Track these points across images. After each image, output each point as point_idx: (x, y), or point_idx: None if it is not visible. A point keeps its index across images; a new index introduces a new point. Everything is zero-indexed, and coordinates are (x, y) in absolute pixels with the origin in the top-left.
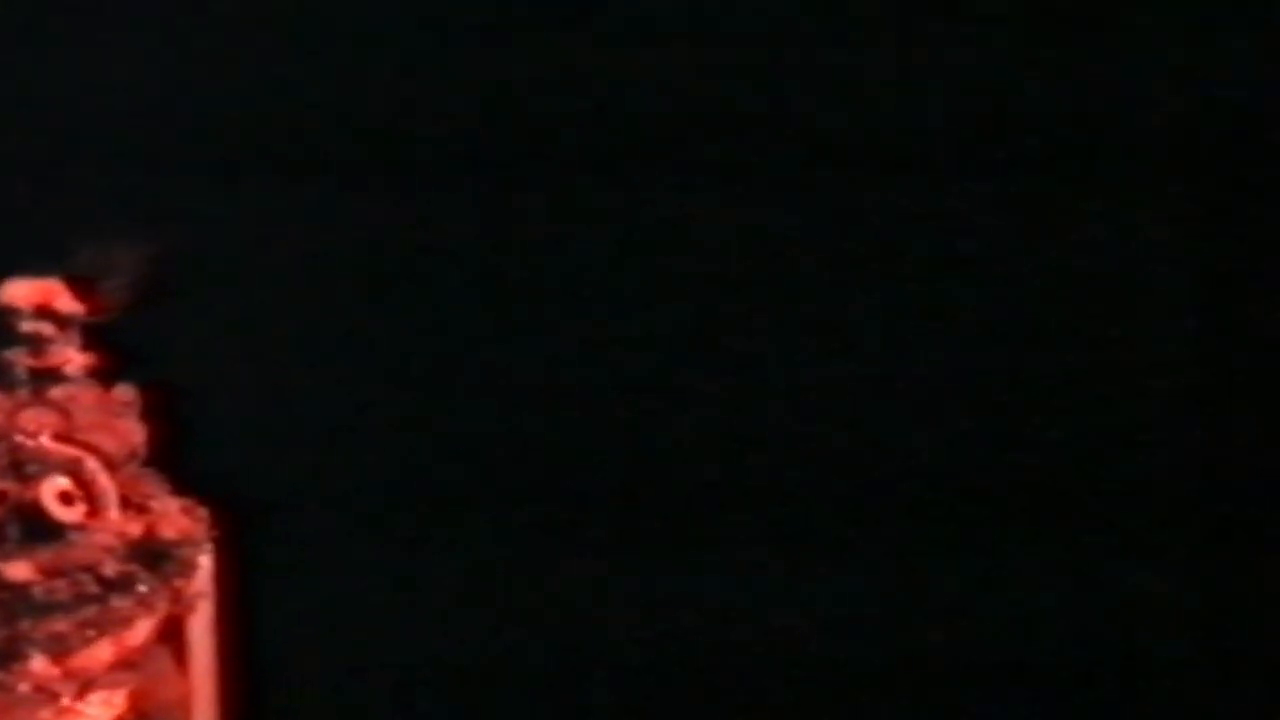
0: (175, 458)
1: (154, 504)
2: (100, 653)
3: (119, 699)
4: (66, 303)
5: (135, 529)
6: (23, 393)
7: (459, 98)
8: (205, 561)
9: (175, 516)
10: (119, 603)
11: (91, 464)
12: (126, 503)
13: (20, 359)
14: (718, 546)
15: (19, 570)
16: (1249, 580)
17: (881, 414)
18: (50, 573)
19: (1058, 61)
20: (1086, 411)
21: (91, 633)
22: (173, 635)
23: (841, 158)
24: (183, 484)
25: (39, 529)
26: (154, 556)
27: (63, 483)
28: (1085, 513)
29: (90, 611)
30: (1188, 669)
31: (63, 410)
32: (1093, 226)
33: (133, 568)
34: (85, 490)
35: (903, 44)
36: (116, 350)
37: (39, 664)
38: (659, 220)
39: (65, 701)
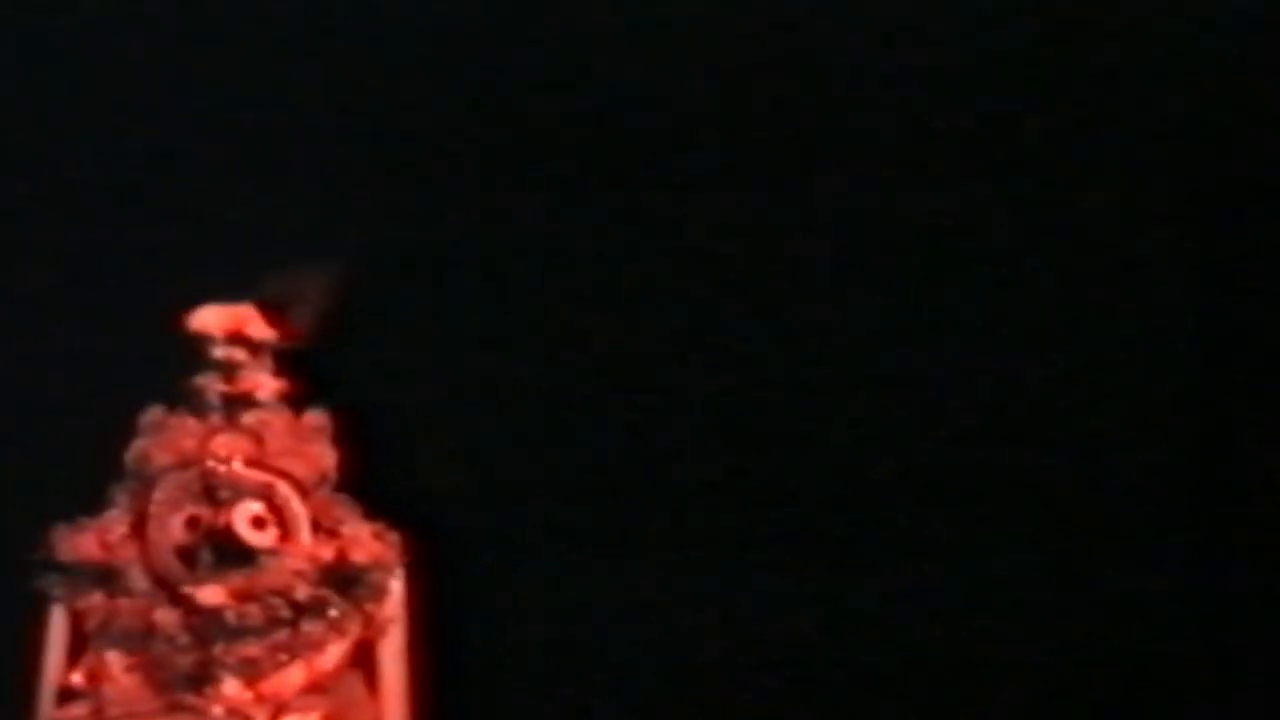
0: (366, 483)
1: (345, 529)
2: (292, 677)
3: None
4: (258, 328)
5: (327, 553)
6: (215, 418)
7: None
8: (396, 586)
9: (367, 541)
10: (310, 627)
11: (283, 489)
12: (318, 527)
13: (212, 385)
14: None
15: (212, 594)
16: (1249, 580)
17: (882, 413)
18: (243, 597)
19: (1058, 62)
20: (1086, 412)
21: (283, 657)
22: (364, 660)
23: (842, 158)
24: (374, 509)
25: (232, 553)
26: (345, 581)
27: (255, 508)
28: (1085, 513)
29: (282, 635)
30: (1188, 669)
31: (255, 436)
32: (1093, 227)
33: (324, 592)
34: (277, 515)
35: (903, 44)
36: (307, 376)
37: (232, 687)
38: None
39: None
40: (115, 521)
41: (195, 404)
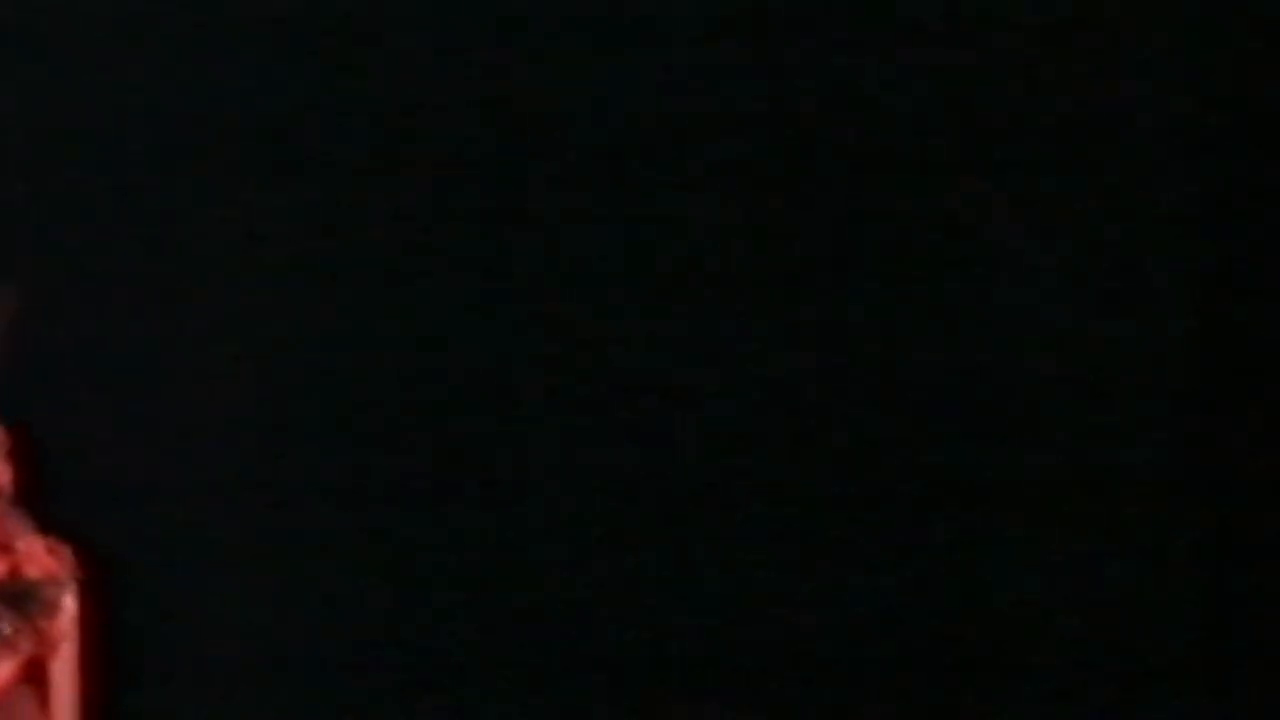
0: (39, 498)
1: (19, 544)
2: None
3: None
4: None
5: (4, 568)
6: None
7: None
8: (69, 602)
9: (40, 556)
10: None
11: None
12: None
13: None
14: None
15: None
16: (1249, 580)
17: (880, 413)
18: None
19: (1058, 62)
20: (1086, 411)
21: None
22: (36, 676)
23: (842, 157)
24: (47, 524)
25: None
26: (18, 597)
27: None
28: (1085, 512)
29: None
30: (1187, 669)
31: None
32: (1093, 226)
33: (2, 606)
34: None
35: (904, 44)
36: None
37: None
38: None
39: None
40: None
41: None
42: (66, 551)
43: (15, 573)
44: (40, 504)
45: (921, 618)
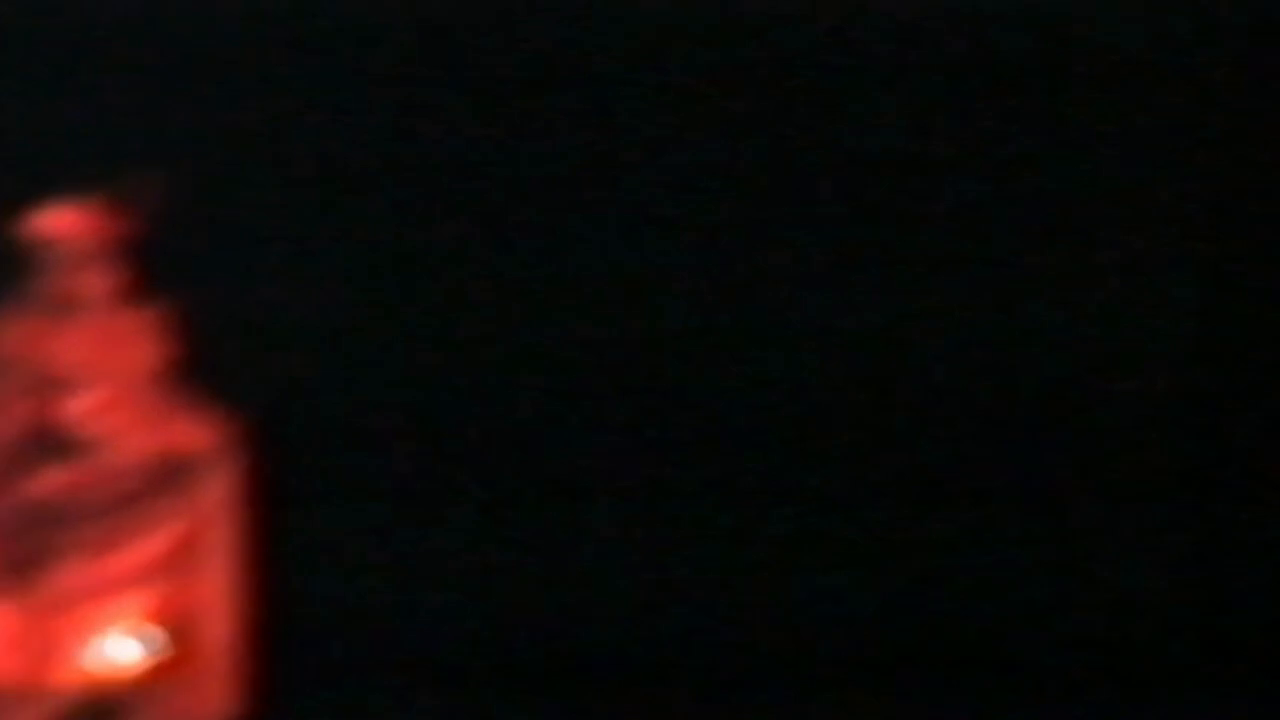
0: (198, 374)
1: (177, 418)
2: (125, 562)
3: (143, 603)
4: (94, 225)
5: (157, 442)
6: (48, 314)
7: None
8: (225, 474)
9: (196, 430)
10: (142, 514)
11: (115, 381)
12: (149, 418)
13: (45, 281)
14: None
15: (47, 483)
16: (1248, 580)
17: (879, 412)
18: (76, 485)
19: (1058, 62)
20: (1086, 411)
21: (116, 541)
22: (194, 543)
23: (842, 158)
24: (205, 399)
25: (65, 444)
26: (175, 468)
27: (88, 399)
28: (1085, 512)
29: (115, 522)
30: (1188, 669)
31: (87, 329)
32: (1093, 227)
33: (155, 479)
34: (109, 405)
35: (904, 45)
36: (141, 270)
37: (67, 573)
38: None
39: (92, 606)
40: None
41: (27, 301)
42: (224, 426)
43: (173, 447)
44: (198, 380)
45: (921, 617)
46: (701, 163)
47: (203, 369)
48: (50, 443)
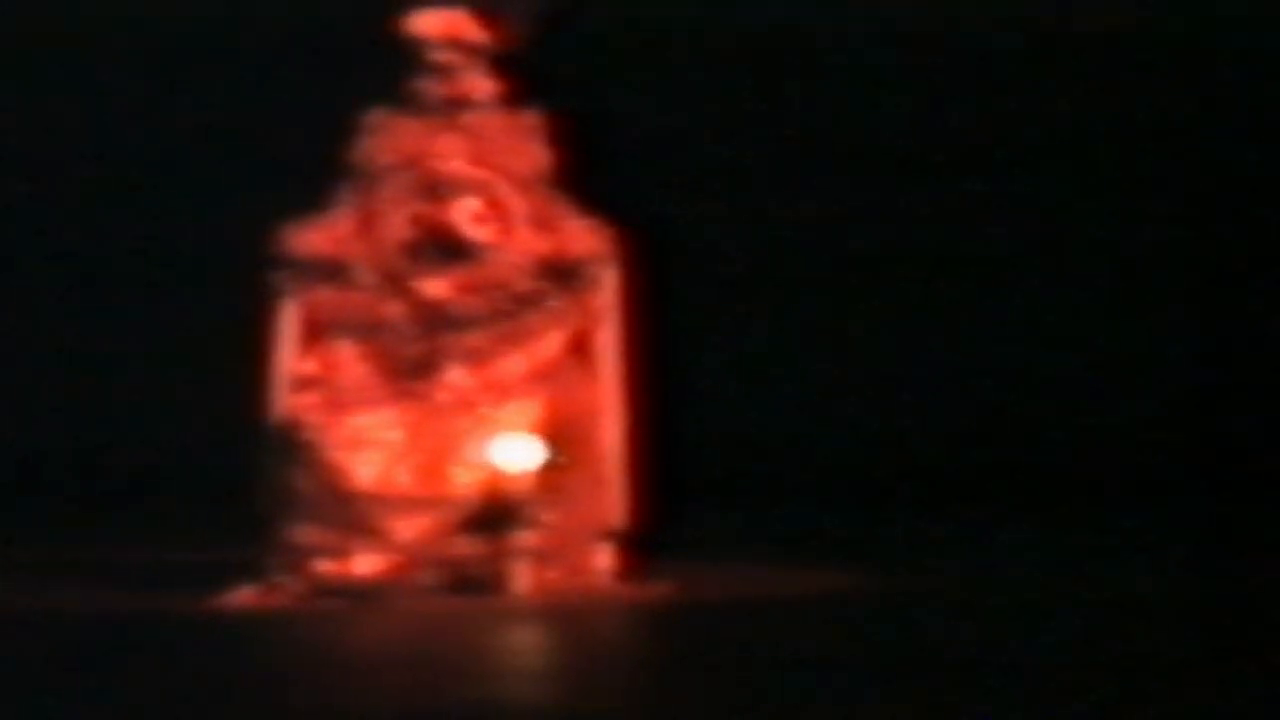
0: (581, 179)
1: (562, 224)
2: (514, 365)
3: (533, 408)
4: (475, 32)
5: (544, 247)
6: (436, 119)
7: None
8: (611, 278)
9: (582, 235)
10: (531, 317)
11: (502, 186)
12: (535, 223)
13: (432, 87)
14: None
15: (436, 287)
16: (1249, 580)
17: (880, 411)
18: (465, 290)
19: (1057, 62)
20: (1087, 410)
21: (505, 346)
22: (582, 348)
23: (842, 158)
24: (588, 204)
25: (454, 248)
26: (562, 273)
27: (475, 204)
28: (1085, 511)
29: (504, 326)
30: (1188, 669)
31: (473, 135)
32: (1093, 226)
33: (543, 284)
34: (496, 211)
35: (904, 45)
36: (523, 77)
37: (457, 375)
38: None
39: (482, 410)
40: (343, 219)
41: (417, 105)
42: (608, 231)
43: (561, 251)
44: (583, 184)
45: (921, 617)
46: None
47: (586, 174)
48: (442, 246)
